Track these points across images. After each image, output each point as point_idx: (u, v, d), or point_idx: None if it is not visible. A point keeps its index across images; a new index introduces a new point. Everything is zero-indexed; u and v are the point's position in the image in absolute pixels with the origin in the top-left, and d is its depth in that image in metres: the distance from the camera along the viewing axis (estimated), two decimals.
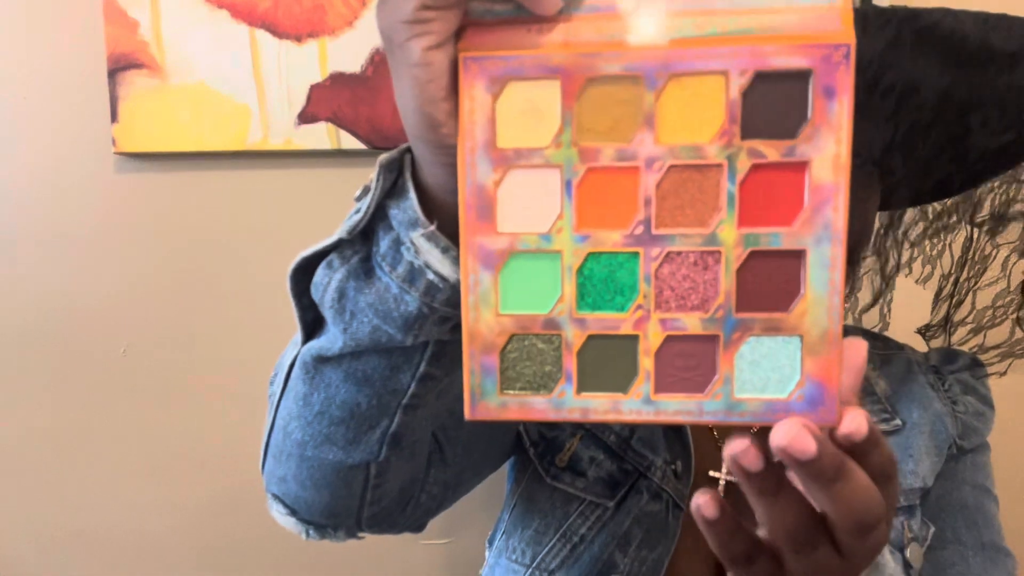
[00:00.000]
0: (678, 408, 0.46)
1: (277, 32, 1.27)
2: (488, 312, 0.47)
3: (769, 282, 0.45)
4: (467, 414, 0.47)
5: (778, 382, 0.45)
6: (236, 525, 1.39)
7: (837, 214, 0.44)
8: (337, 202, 1.29)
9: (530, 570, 0.82)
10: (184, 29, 1.27)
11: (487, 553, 0.94)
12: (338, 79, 1.28)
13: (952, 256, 1.00)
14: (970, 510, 0.84)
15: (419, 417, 0.64)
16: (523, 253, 0.47)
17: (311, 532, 0.71)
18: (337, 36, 1.27)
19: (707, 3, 0.46)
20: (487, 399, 0.47)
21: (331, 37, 1.27)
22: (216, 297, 1.35)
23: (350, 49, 1.28)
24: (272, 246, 1.34)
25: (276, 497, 0.70)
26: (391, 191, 0.54)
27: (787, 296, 0.45)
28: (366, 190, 0.54)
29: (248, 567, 1.39)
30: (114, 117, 1.28)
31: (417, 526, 0.78)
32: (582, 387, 0.47)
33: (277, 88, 1.28)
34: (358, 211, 0.55)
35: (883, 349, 0.91)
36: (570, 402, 0.47)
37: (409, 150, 0.53)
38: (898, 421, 0.84)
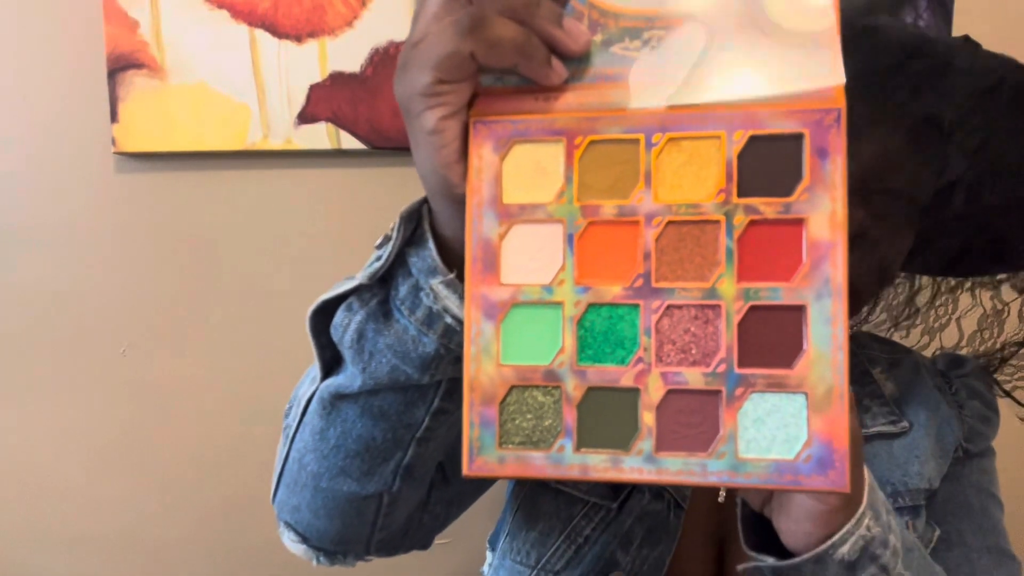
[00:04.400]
0: (681, 467, 0.46)
1: (277, 32, 1.27)
2: (489, 363, 0.48)
3: (771, 337, 0.46)
4: (464, 470, 0.47)
5: (784, 441, 0.45)
6: (236, 526, 1.39)
7: (836, 270, 0.45)
8: (337, 202, 1.32)
9: (535, 571, 0.83)
10: (184, 29, 1.27)
11: (488, 553, 0.95)
12: (338, 79, 1.28)
13: (961, 328, 1.00)
14: (976, 514, 0.84)
15: (431, 448, 0.66)
16: (525, 304, 0.48)
17: (321, 559, 0.72)
18: (337, 36, 1.27)
19: (705, 75, 0.47)
20: (485, 454, 0.47)
21: (331, 37, 1.27)
22: (216, 297, 1.35)
23: (350, 49, 1.27)
24: (272, 246, 1.34)
25: (288, 525, 0.71)
26: (410, 239, 0.57)
27: (790, 352, 0.45)
28: (387, 239, 0.57)
29: (248, 568, 1.40)
30: (114, 117, 1.28)
31: (422, 544, 0.80)
32: (582, 442, 0.47)
33: (277, 88, 1.28)
34: (379, 258, 0.57)
35: (891, 352, 0.91)
36: (569, 458, 0.47)
37: (427, 201, 0.56)
38: (905, 423, 0.83)
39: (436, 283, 0.55)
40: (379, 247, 0.58)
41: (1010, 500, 0.89)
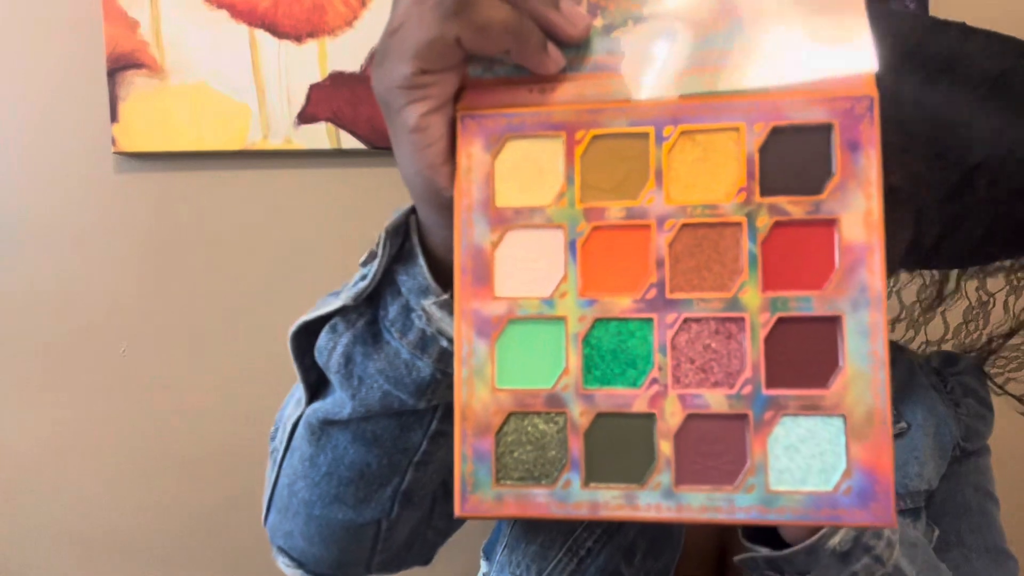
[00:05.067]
0: (704, 503, 0.39)
1: (277, 32, 1.23)
2: (483, 387, 0.41)
3: (802, 353, 0.39)
4: (456, 510, 0.40)
5: (821, 471, 0.38)
6: (236, 525, 1.34)
7: (874, 276, 0.38)
8: (337, 202, 1.27)
9: None
10: (184, 29, 1.23)
11: (482, 563, 0.89)
12: (338, 79, 1.23)
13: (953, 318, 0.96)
14: (973, 513, 0.80)
15: (430, 471, 0.60)
16: (523, 320, 0.41)
17: None
18: (337, 36, 1.22)
19: (719, 61, 0.40)
20: (480, 491, 0.40)
21: (331, 37, 1.22)
22: (215, 297, 1.30)
23: (350, 49, 1.22)
24: (272, 246, 1.29)
25: (282, 550, 0.66)
26: (398, 255, 0.51)
27: (824, 369, 0.39)
28: (372, 255, 0.51)
29: (247, 567, 1.35)
30: (114, 117, 1.24)
31: (424, 560, 0.74)
32: (591, 476, 0.40)
33: (277, 88, 1.23)
34: (364, 277, 0.51)
35: None
36: (576, 495, 0.40)
37: (414, 211, 0.50)
38: (903, 424, 0.79)
39: (428, 304, 0.49)
40: (364, 264, 0.52)
41: (1004, 498, 0.85)
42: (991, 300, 0.91)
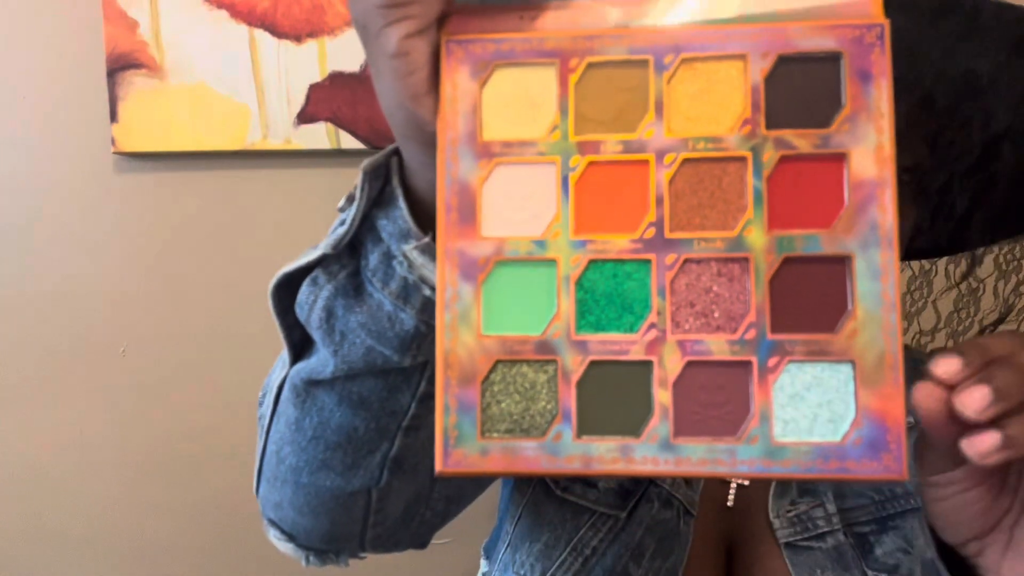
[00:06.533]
0: (704, 455, 0.35)
1: (276, 32, 1.21)
2: (468, 333, 0.37)
3: (810, 296, 0.36)
4: (438, 466, 0.37)
5: (828, 421, 0.35)
6: (236, 525, 1.32)
7: (885, 213, 0.35)
8: (336, 202, 1.22)
9: None
10: (184, 29, 1.21)
11: (482, 562, 0.86)
12: (337, 79, 1.21)
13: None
14: None
15: (421, 438, 0.56)
16: (511, 262, 0.38)
17: (311, 558, 0.64)
18: (336, 36, 1.21)
19: None
20: (464, 445, 0.37)
21: (330, 37, 1.21)
22: (215, 297, 1.28)
23: (349, 49, 1.20)
24: (271, 246, 1.27)
25: (272, 522, 0.63)
26: (378, 199, 0.48)
27: (833, 312, 0.36)
28: (350, 199, 0.48)
29: (248, 567, 1.33)
30: (113, 117, 1.22)
31: (420, 543, 0.71)
32: (583, 428, 0.36)
33: (276, 88, 1.21)
34: (342, 223, 0.48)
35: None
36: (568, 447, 0.36)
37: (396, 152, 0.47)
38: (911, 419, 0.75)
39: (410, 249, 0.46)
40: (342, 210, 0.49)
41: None
42: (981, 287, 0.90)
